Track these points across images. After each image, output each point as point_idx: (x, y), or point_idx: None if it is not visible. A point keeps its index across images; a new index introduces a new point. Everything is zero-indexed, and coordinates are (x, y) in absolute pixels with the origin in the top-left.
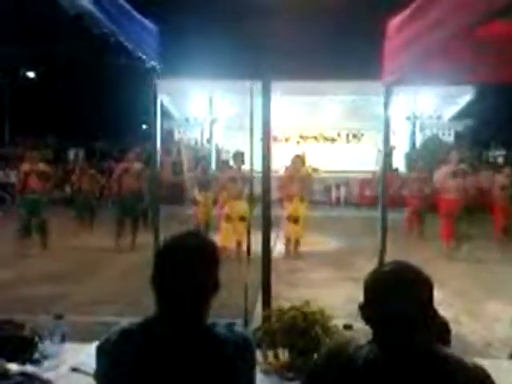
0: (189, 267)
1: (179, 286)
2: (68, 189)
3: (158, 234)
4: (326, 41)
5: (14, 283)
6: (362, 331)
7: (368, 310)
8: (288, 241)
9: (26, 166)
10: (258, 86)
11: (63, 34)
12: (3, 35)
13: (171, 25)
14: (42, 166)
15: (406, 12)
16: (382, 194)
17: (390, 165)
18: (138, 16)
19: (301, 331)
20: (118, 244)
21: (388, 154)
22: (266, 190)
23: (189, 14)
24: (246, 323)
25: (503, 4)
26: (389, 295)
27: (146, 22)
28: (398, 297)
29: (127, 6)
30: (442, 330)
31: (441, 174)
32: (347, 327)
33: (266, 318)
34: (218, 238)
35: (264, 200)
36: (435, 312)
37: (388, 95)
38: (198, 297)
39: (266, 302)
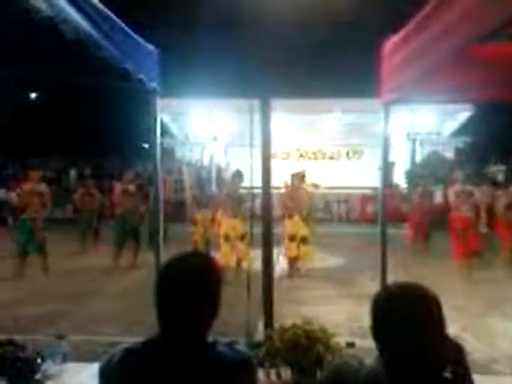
0: (190, 288)
1: (180, 306)
2: (69, 208)
3: (160, 252)
4: (324, 59)
5: (16, 303)
6: (364, 349)
7: (378, 330)
8: (290, 260)
9: (26, 187)
10: (257, 103)
11: (64, 57)
12: (5, 57)
13: (171, 46)
14: (41, 187)
15: (403, 31)
16: (382, 211)
17: (391, 181)
18: (138, 38)
19: (303, 349)
20: (117, 264)
21: (387, 171)
22: (267, 207)
23: (188, 35)
24: (249, 341)
25: (496, 24)
26: (398, 315)
27: (146, 44)
28: (407, 316)
29: (127, 29)
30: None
31: (452, 193)
32: (350, 345)
33: (268, 337)
34: (217, 257)
35: (264, 218)
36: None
37: (387, 113)
38: (200, 317)
39: (268, 320)
